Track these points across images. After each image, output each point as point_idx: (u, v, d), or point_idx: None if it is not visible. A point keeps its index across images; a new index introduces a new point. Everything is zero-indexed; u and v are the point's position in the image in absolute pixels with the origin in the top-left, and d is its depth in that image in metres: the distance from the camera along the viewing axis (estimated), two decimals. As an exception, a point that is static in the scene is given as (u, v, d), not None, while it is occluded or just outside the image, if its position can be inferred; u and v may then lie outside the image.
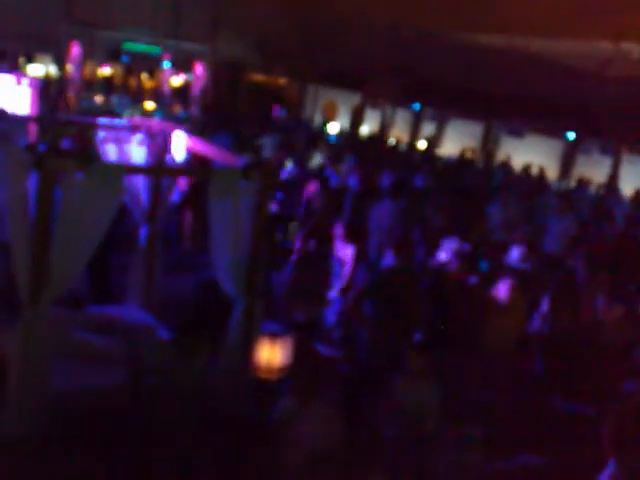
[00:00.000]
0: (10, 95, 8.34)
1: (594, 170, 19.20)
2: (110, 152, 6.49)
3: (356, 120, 23.25)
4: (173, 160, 6.55)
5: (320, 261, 7.32)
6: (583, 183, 16.61)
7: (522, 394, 7.00)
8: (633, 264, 9.75)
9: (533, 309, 7.40)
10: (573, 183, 18.05)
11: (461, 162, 19.15)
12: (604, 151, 19.41)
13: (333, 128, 21.74)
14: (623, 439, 4.97)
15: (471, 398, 6.40)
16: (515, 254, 7.92)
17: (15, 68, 17.21)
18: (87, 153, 6.59)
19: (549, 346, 7.20)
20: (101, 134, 6.56)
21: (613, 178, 18.97)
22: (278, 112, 22.14)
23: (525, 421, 6.53)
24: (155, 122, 7.14)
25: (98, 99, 20.20)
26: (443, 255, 7.48)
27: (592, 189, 17.13)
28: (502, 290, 6.84)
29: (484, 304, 6.80)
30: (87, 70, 21.34)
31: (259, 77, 24.29)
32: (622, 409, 5.51)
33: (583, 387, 6.62)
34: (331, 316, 7.34)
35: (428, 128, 22.97)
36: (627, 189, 17.70)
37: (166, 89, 22.27)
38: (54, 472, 4.61)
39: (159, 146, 6.57)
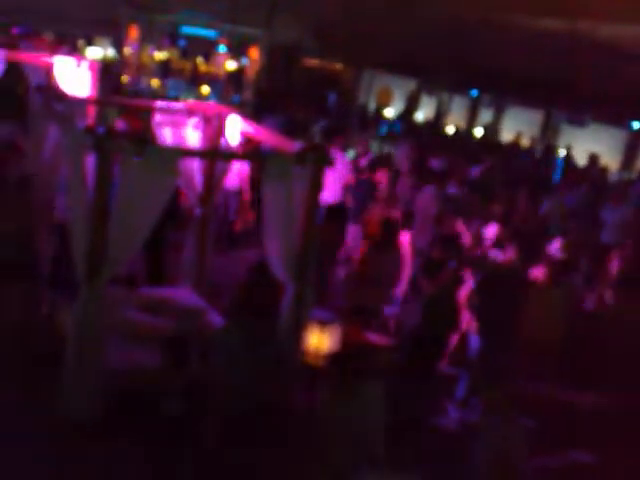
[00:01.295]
0: (70, 77, 8.46)
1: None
2: (166, 135, 6.53)
3: (411, 106, 22.98)
4: (227, 144, 6.55)
5: (386, 249, 7.23)
6: None
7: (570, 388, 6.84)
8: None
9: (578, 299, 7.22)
10: (635, 174, 17.50)
11: (515, 148, 18.76)
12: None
13: (388, 114, 21.54)
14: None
15: (519, 391, 6.27)
16: (555, 244, 7.73)
17: (74, 51, 17.52)
18: (143, 136, 6.68)
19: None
20: (157, 117, 6.62)
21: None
22: (331, 98, 22.04)
23: (574, 416, 6.36)
24: (210, 106, 7.16)
25: (154, 83, 20.45)
26: (498, 247, 7.34)
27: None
28: (540, 279, 6.73)
29: (531, 294, 6.67)
30: (144, 54, 21.60)
31: (314, 62, 24.19)
32: None
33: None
34: (390, 304, 7.28)
35: (485, 115, 22.55)
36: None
37: (221, 73, 22.38)
38: (107, 450, 4.69)
39: (214, 130, 6.58)
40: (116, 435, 4.76)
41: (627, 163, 19.86)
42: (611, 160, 19.69)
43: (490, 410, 4.90)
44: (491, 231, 7.76)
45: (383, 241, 7.30)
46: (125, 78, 19.09)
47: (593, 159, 17.54)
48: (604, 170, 16.99)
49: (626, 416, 6.46)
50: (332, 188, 10.28)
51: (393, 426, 4.46)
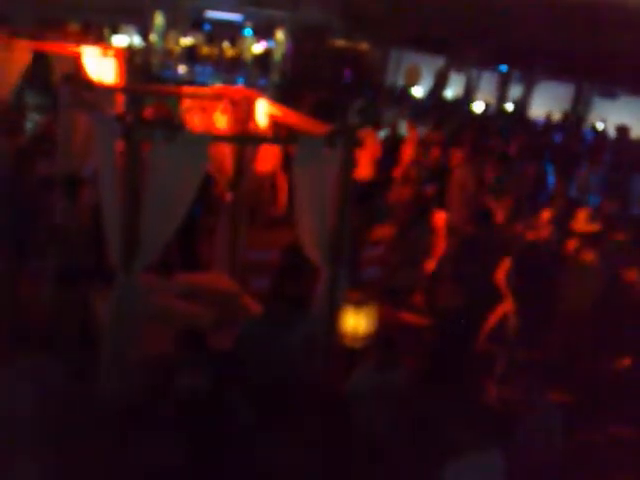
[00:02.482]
0: (97, 66, 8.49)
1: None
2: (195, 121, 6.52)
3: (440, 84, 22.72)
4: (256, 128, 6.52)
5: (419, 228, 7.16)
6: None
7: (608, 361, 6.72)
8: None
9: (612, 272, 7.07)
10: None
11: (549, 125, 18.49)
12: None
13: (417, 92, 21.30)
14: None
15: (557, 365, 6.21)
16: (583, 216, 7.60)
17: (101, 39, 17.60)
18: (172, 122, 6.67)
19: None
20: (186, 103, 6.60)
21: None
22: (348, 77, 21.78)
23: (614, 390, 6.25)
24: (238, 90, 7.12)
25: (181, 68, 20.49)
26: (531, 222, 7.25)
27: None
28: (572, 252, 6.64)
29: (565, 268, 6.59)
30: (170, 40, 21.62)
31: (340, 43, 24.00)
32: None
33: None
34: (424, 283, 7.24)
35: (515, 91, 22.19)
36: None
37: (248, 57, 22.34)
38: (143, 435, 4.73)
39: (242, 114, 6.55)
40: (153, 420, 4.79)
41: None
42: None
43: (530, 389, 4.87)
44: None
45: (414, 219, 7.22)
46: (152, 65, 19.13)
47: (622, 131, 17.17)
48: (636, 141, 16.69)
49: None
50: (365, 167, 10.30)
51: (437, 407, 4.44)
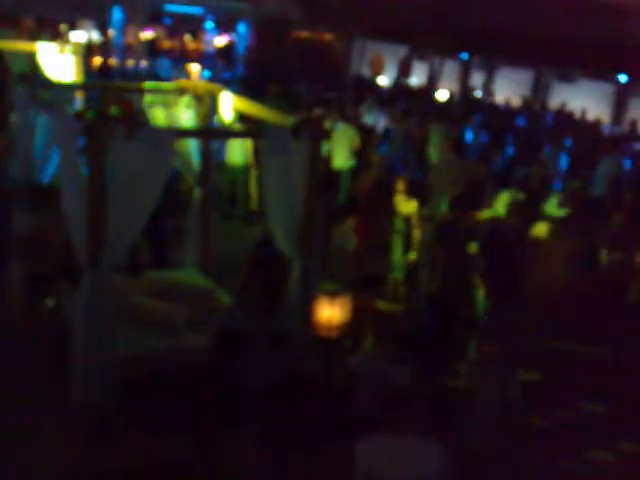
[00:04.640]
0: (54, 63, 8.29)
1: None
2: (158, 116, 6.43)
3: (403, 73, 22.79)
4: (222, 121, 6.45)
5: (385, 217, 7.16)
6: (634, 126, 16.40)
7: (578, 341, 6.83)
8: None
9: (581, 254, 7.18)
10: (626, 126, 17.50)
11: (510, 111, 18.73)
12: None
13: (381, 82, 21.33)
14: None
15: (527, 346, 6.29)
16: (554, 200, 7.68)
17: (57, 35, 17.24)
18: (135, 118, 6.56)
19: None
20: (148, 98, 6.50)
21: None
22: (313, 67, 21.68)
23: (587, 368, 6.34)
24: (201, 84, 7.04)
25: (142, 63, 20.21)
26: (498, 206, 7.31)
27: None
28: (541, 235, 6.73)
29: (532, 250, 6.67)
30: (129, 34, 21.32)
31: (304, 34, 23.91)
32: None
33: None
34: (396, 271, 7.24)
35: (477, 78, 22.38)
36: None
37: (210, 50, 22.13)
38: (119, 437, 4.67)
39: (207, 108, 6.48)
40: (129, 419, 4.73)
41: (617, 116, 19.80)
42: (602, 114, 19.68)
43: (487, 366, 4.94)
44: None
45: (378, 207, 7.18)
46: (112, 61, 18.82)
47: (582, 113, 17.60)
48: (596, 123, 17.03)
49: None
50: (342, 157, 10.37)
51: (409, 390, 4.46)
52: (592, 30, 16.44)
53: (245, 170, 10.04)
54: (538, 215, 7.44)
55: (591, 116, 18.78)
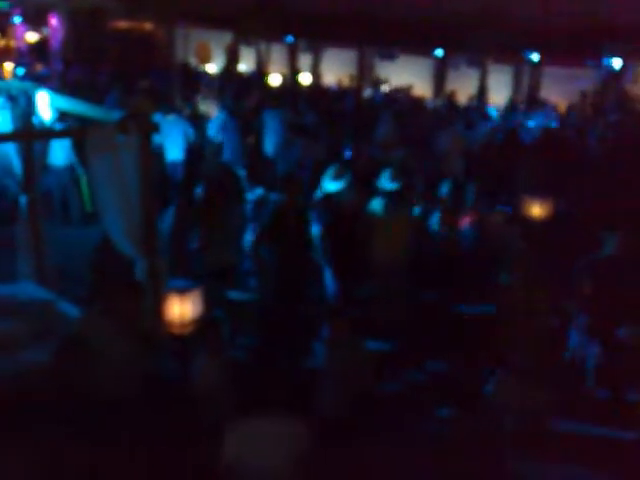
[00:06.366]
0: None
1: (464, 84, 19.77)
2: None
3: (231, 59, 22.66)
4: (41, 122, 6.12)
5: (232, 206, 7.13)
6: (452, 98, 17.60)
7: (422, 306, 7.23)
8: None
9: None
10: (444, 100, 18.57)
11: (341, 92, 19.21)
12: (471, 64, 19.92)
13: (210, 70, 21.08)
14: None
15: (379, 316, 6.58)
16: (386, 175, 8.01)
17: None
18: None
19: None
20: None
21: (482, 89, 19.73)
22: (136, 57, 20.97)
23: (431, 331, 6.71)
24: (14, 83, 6.63)
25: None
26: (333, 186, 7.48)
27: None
28: (377, 210, 7.04)
29: (370, 226, 6.95)
30: None
31: (123, 24, 23.06)
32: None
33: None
34: (245, 261, 7.26)
35: (305, 60, 22.73)
36: (497, 98, 18.84)
37: (22, 46, 20.82)
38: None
39: (23, 108, 6.10)
40: None
41: (438, 89, 20.95)
42: (425, 89, 20.76)
43: (334, 339, 5.15)
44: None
45: (219, 198, 7.15)
46: None
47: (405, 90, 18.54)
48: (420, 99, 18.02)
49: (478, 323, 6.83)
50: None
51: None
52: (409, 7, 17.28)
53: (70, 171, 9.68)
54: (373, 191, 7.70)
55: (416, 92, 19.78)
